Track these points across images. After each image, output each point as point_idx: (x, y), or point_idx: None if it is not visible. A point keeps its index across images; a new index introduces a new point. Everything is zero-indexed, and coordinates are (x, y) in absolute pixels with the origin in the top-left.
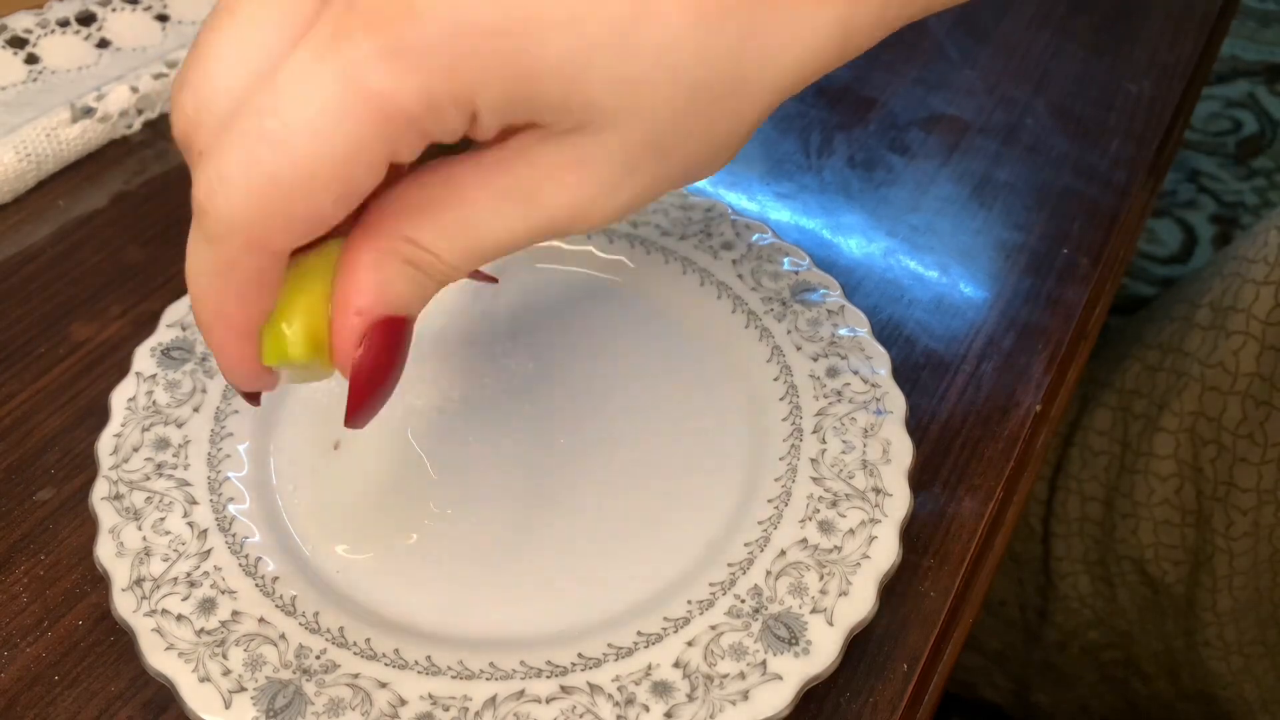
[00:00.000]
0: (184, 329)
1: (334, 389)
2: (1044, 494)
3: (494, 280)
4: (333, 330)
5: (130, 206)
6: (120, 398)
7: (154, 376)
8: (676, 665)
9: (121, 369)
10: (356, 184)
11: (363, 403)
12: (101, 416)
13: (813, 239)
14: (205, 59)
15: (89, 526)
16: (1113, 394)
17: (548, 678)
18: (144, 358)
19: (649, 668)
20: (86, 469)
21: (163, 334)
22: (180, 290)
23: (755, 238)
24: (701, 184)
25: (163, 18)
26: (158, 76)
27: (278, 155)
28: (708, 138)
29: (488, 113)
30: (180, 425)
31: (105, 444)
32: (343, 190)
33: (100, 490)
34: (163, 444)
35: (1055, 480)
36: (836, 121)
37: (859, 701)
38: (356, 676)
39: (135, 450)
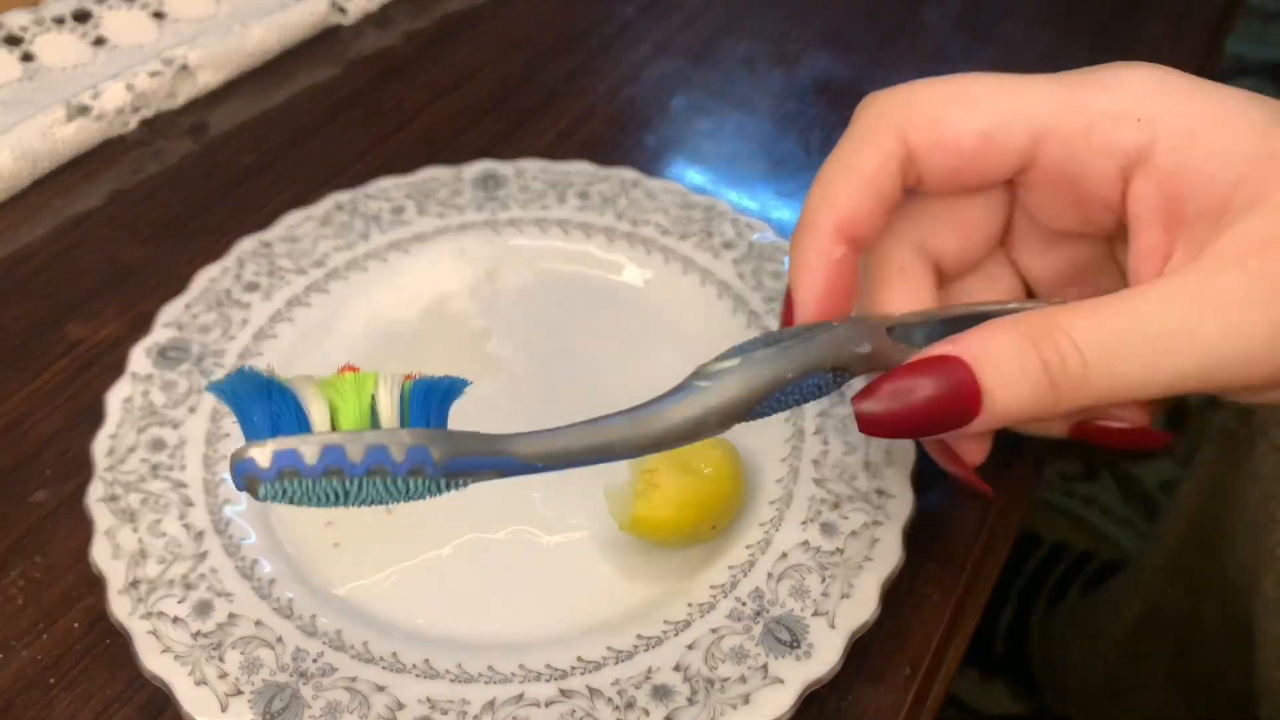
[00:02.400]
0: (180, 329)
1: None
2: None
3: (988, 491)
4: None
5: (126, 205)
6: (116, 398)
7: (150, 377)
8: (677, 669)
9: (117, 369)
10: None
11: (876, 416)
12: (97, 417)
13: None
14: None
15: (85, 528)
16: None
17: (546, 681)
18: (140, 358)
19: (649, 671)
20: (82, 470)
21: (159, 334)
22: (177, 289)
23: (756, 237)
24: (702, 182)
25: (159, 15)
26: (154, 74)
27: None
28: None
29: (1163, 153)
30: (176, 426)
31: (101, 445)
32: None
33: (96, 492)
34: (159, 445)
35: None
36: (837, 120)
37: (860, 705)
38: (354, 680)
39: (131, 451)
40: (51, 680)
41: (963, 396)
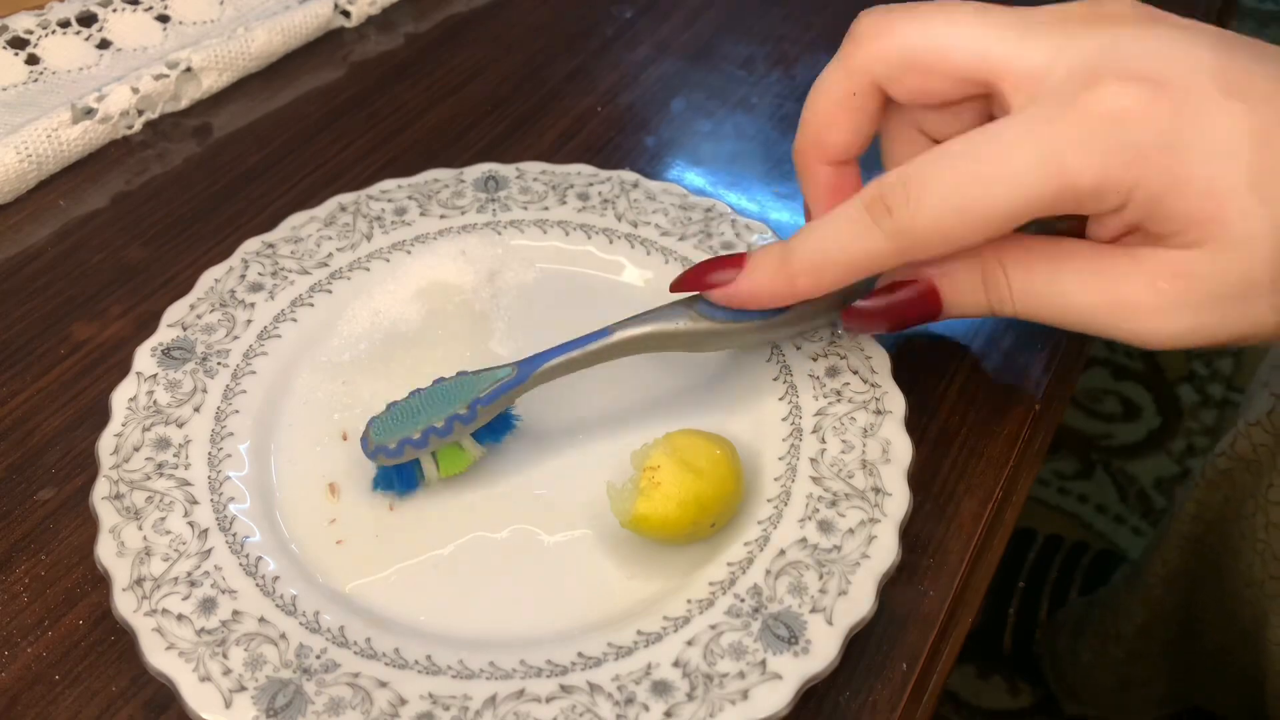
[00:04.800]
0: (184, 329)
1: (337, 390)
2: None
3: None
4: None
5: (131, 206)
6: (121, 397)
7: (154, 376)
8: (676, 664)
9: (122, 369)
10: (1011, 219)
11: (861, 317)
12: (102, 416)
13: None
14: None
15: (90, 526)
16: None
17: (548, 677)
18: (144, 357)
19: (649, 667)
20: (87, 468)
21: (163, 334)
22: (181, 290)
23: (755, 238)
24: (701, 184)
25: (163, 18)
26: (158, 77)
27: (974, 182)
28: None
29: (1134, 206)
30: (181, 425)
31: (106, 444)
32: (1002, 217)
33: (101, 490)
34: (163, 444)
35: None
36: None
37: (858, 701)
38: (357, 676)
39: (136, 450)
40: (56, 677)
41: (924, 305)
